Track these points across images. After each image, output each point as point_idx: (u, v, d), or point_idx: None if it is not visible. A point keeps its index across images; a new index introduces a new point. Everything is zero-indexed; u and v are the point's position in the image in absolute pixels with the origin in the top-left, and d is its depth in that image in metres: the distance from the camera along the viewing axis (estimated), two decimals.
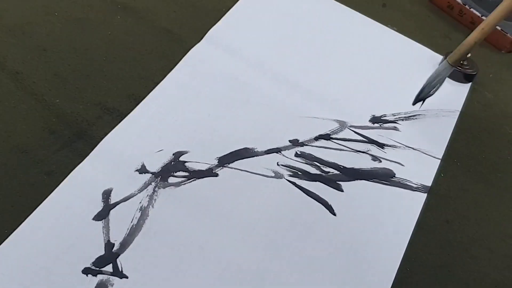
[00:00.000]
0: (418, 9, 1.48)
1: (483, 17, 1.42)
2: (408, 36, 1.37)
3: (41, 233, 0.88)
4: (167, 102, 1.08)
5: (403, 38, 1.37)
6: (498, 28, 1.35)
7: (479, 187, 1.10)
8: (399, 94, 1.23)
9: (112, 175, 0.96)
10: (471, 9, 1.44)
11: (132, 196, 0.94)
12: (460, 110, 1.24)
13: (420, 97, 1.06)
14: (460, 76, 1.29)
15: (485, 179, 1.12)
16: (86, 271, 0.86)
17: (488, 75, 1.34)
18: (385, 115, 1.18)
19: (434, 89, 1.08)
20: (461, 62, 1.28)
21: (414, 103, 1.06)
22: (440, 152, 1.14)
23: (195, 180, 0.99)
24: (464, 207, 1.07)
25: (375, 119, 1.17)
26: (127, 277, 0.86)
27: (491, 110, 1.26)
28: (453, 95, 1.27)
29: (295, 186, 1.02)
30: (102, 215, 0.91)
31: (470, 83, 1.30)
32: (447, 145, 1.16)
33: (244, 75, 1.16)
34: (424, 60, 1.32)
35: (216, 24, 1.24)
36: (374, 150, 1.11)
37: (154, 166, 0.99)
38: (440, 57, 1.33)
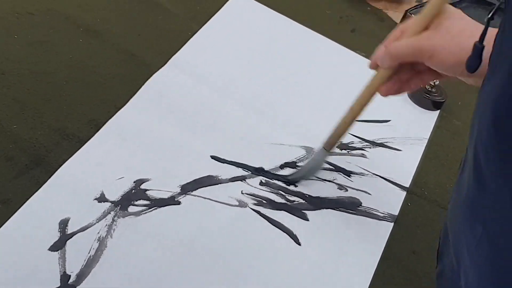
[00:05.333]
0: (387, 35, 1.47)
1: None
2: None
3: None
4: (129, 128, 1.05)
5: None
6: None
7: (444, 220, 1.09)
8: (367, 121, 1.22)
9: (70, 203, 0.93)
10: None
11: (90, 226, 0.91)
12: (428, 138, 1.23)
13: (290, 181, 1.06)
14: (429, 103, 1.28)
15: None
16: None
17: (457, 102, 1.34)
18: (352, 142, 1.17)
19: (308, 175, 1.07)
20: (429, 89, 1.27)
21: (287, 184, 1.06)
22: (407, 181, 1.13)
23: (156, 208, 0.96)
24: (431, 237, 1.06)
25: (342, 146, 1.16)
26: None
27: (460, 138, 1.25)
28: (422, 122, 1.26)
29: (260, 215, 1.00)
30: (58, 246, 0.88)
31: (438, 111, 1.30)
32: (414, 174, 1.15)
33: (210, 101, 1.14)
34: None
35: (182, 48, 1.22)
36: (341, 178, 1.09)
37: (114, 194, 0.96)
38: None
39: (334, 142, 1.00)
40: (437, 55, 0.82)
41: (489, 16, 0.69)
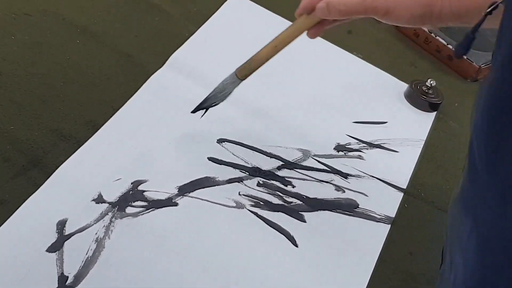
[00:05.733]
0: (384, 37, 1.48)
1: (449, 46, 1.42)
2: (373, 63, 1.37)
3: None
4: (126, 129, 1.05)
5: (368, 66, 1.37)
6: (464, 56, 1.35)
7: (443, 218, 1.09)
8: (364, 122, 1.22)
9: (68, 205, 0.93)
10: (437, 37, 1.44)
11: (88, 227, 0.91)
12: (425, 139, 1.23)
13: (203, 107, 1.04)
14: (425, 105, 1.29)
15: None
16: None
17: (454, 104, 1.34)
18: (349, 144, 1.17)
19: (218, 101, 1.04)
20: (426, 91, 1.28)
21: (194, 111, 1.03)
22: (404, 182, 1.13)
23: (153, 210, 0.96)
24: (428, 239, 1.06)
25: (339, 148, 1.16)
26: None
27: (456, 140, 1.26)
28: (418, 124, 1.26)
29: (257, 217, 1.00)
30: (56, 247, 0.88)
31: (435, 112, 1.30)
32: (411, 175, 1.15)
33: None
34: (390, 88, 1.32)
35: (178, 49, 1.22)
36: (338, 180, 1.09)
37: (112, 195, 0.96)
38: (406, 85, 1.32)
39: (248, 73, 1.00)
40: (392, 11, 0.82)
41: (488, 11, 0.69)
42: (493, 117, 0.52)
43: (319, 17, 0.89)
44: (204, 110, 1.05)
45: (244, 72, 0.98)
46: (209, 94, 1.04)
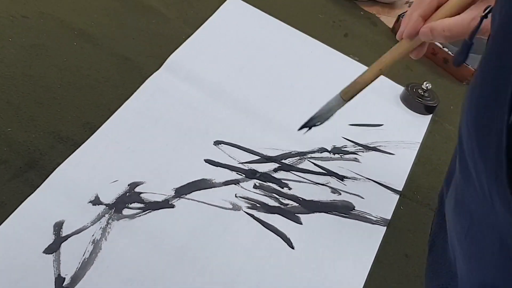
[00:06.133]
0: (380, 39, 1.48)
1: (445, 49, 1.42)
2: (369, 66, 1.37)
3: None
4: (123, 131, 1.06)
5: (364, 68, 1.37)
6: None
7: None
8: (360, 125, 1.22)
9: (65, 206, 0.93)
10: None
11: (85, 229, 0.91)
12: (420, 142, 1.24)
13: (307, 125, 1.02)
14: (421, 107, 1.29)
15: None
16: None
17: (449, 107, 1.35)
18: (345, 146, 1.18)
19: (323, 121, 1.03)
20: (421, 94, 1.28)
21: (299, 129, 1.02)
22: (400, 185, 1.14)
23: (150, 211, 0.96)
24: (423, 241, 1.06)
25: (335, 150, 1.16)
26: None
27: (452, 142, 1.26)
28: (414, 127, 1.27)
29: (253, 219, 1.01)
30: (53, 248, 0.88)
31: (431, 115, 1.30)
32: (407, 177, 1.16)
33: (203, 104, 1.15)
34: (386, 91, 1.32)
35: (175, 52, 1.22)
36: (334, 182, 1.10)
37: (109, 197, 0.96)
38: (402, 88, 1.33)
39: (353, 95, 0.97)
40: None
41: (484, 14, 0.70)
42: (475, 116, 0.52)
43: (420, 42, 0.87)
44: (308, 128, 1.04)
45: (349, 94, 0.97)
46: (314, 114, 1.02)
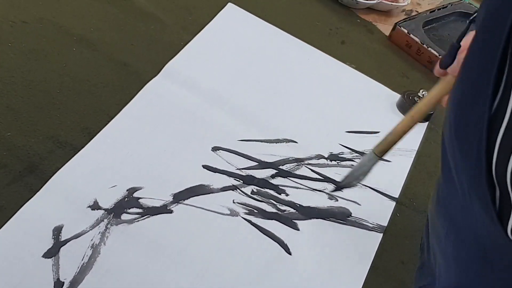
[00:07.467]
0: (377, 47, 1.49)
1: (441, 57, 1.43)
2: (366, 73, 1.38)
3: None
4: (122, 137, 1.06)
5: (361, 76, 1.38)
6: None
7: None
8: (357, 132, 1.23)
9: (64, 211, 0.93)
10: (429, 48, 1.45)
11: (84, 233, 0.92)
12: (417, 149, 1.25)
13: (341, 186, 1.01)
14: None
15: None
16: None
17: (445, 114, 1.35)
18: (342, 153, 1.18)
19: (357, 181, 0.99)
20: (417, 101, 1.29)
21: (332, 191, 1.00)
22: (396, 192, 1.15)
23: (149, 217, 0.97)
24: (419, 248, 1.07)
25: (332, 157, 1.17)
26: None
27: None
28: (410, 134, 1.27)
29: (251, 224, 1.01)
30: (52, 253, 0.89)
31: (427, 123, 1.31)
32: (403, 185, 1.16)
33: (201, 110, 1.15)
34: (382, 99, 1.33)
35: (174, 58, 1.23)
36: (331, 188, 1.10)
37: (107, 202, 0.97)
38: (398, 95, 1.34)
39: (386, 148, 0.92)
40: None
41: (471, 18, 0.70)
42: (456, 115, 0.53)
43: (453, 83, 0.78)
44: (340, 190, 1.02)
45: (382, 148, 0.92)
46: (347, 175, 1.00)
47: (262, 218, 1.02)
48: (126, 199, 0.98)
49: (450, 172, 0.58)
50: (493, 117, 0.47)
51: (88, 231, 0.92)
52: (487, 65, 0.47)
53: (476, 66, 0.51)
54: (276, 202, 1.05)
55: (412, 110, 0.88)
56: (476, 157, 0.48)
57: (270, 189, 1.07)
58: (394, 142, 0.90)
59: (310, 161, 1.14)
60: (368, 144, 1.21)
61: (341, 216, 1.07)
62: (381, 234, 1.07)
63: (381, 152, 0.92)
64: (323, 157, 1.16)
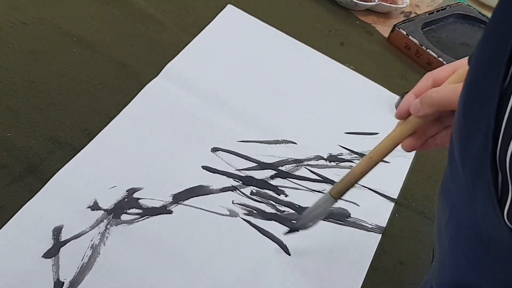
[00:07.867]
0: (376, 49, 1.50)
1: (439, 58, 1.44)
2: (365, 75, 1.38)
3: None
4: (121, 138, 1.06)
5: (360, 77, 1.38)
6: None
7: (433, 228, 1.10)
8: (356, 133, 1.23)
9: (64, 211, 0.93)
10: (428, 50, 1.46)
11: (84, 234, 0.92)
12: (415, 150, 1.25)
13: (294, 228, 0.98)
14: None
15: None
16: None
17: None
18: (341, 154, 1.19)
19: (312, 223, 0.96)
20: None
21: (285, 233, 0.99)
22: (395, 193, 1.15)
23: (148, 217, 0.97)
24: (418, 248, 1.08)
25: (331, 158, 1.17)
26: None
27: (445, 152, 1.26)
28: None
29: (250, 225, 1.01)
30: (52, 253, 0.89)
31: None
32: (402, 185, 1.17)
33: (201, 111, 1.15)
34: (381, 100, 1.34)
35: (173, 59, 1.23)
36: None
37: (107, 203, 0.97)
38: (397, 97, 1.34)
39: (343, 190, 0.89)
40: None
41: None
42: (464, 105, 0.54)
43: (415, 125, 0.80)
44: (294, 232, 1.01)
45: (338, 189, 0.89)
46: (303, 214, 0.97)
47: (261, 218, 1.03)
48: (126, 199, 0.98)
49: (454, 161, 0.58)
50: (501, 99, 0.47)
51: (88, 231, 0.93)
52: (498, 55, 0.47)
53: (488, 53, 0.51)
54: (275, 202, 1.06)
55: (370, 151, 0.85)
56: (483, 140, 0.48)
57: (269, 190, 1.07)
58: (352, 183, 0.87)
59: (309, 162, 1.14)
60: (367, 145, 1.21)
61: (340, 217, 1.07)
62: (380, 235, 1.07)
63: (337, 193, 0.89)
64: (322, 158, 1.17)
